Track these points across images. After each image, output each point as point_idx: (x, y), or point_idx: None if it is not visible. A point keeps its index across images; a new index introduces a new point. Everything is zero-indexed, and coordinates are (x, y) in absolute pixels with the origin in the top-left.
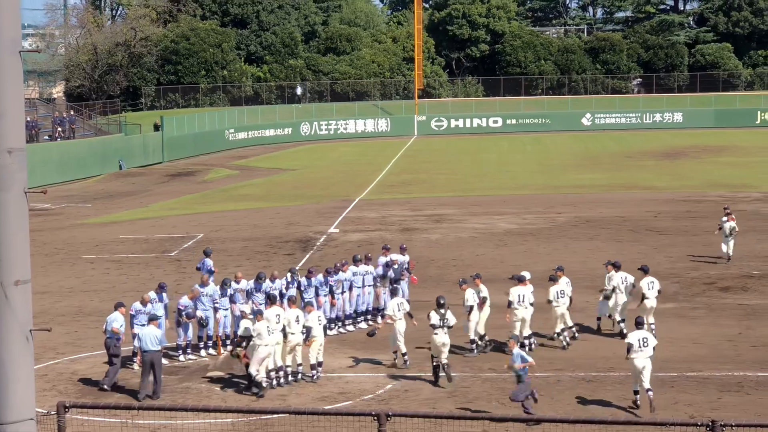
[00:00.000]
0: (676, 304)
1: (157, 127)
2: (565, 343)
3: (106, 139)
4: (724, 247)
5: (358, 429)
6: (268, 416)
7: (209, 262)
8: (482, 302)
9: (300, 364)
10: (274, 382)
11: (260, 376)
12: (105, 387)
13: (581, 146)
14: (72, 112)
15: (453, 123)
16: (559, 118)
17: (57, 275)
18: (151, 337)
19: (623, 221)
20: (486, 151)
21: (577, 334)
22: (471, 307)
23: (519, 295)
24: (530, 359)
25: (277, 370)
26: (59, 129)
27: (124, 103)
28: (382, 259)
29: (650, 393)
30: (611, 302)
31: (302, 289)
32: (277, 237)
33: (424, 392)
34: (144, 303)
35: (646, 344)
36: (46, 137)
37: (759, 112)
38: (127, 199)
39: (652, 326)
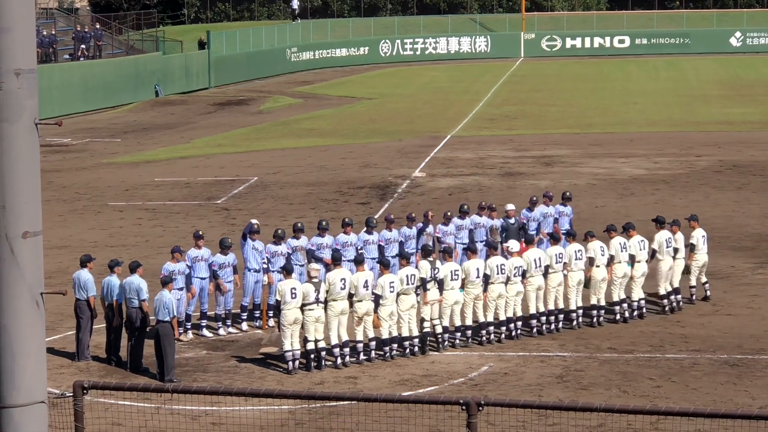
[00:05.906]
0: None
1: (202, 45)
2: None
3: (139, 59)
4: (693, 277)
5: (445, 419)
6: (335, 403)
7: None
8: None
9: (372, 339)
10: (339, 360)
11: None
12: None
13: (729, 73)
14: (98, 26)
15: (569, 42)
16: (702, 37)
17: (78, 226)
18: (164, 303)
19: None
20: (609, 77)
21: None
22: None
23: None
24: None
25: (342, 345)
26: (82, 46)
27: (162, 14)
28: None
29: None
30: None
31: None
32: (349, 181)
33: (528, 376)
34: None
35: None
36: (66, 56)
37: None
38: (165, 134)
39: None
